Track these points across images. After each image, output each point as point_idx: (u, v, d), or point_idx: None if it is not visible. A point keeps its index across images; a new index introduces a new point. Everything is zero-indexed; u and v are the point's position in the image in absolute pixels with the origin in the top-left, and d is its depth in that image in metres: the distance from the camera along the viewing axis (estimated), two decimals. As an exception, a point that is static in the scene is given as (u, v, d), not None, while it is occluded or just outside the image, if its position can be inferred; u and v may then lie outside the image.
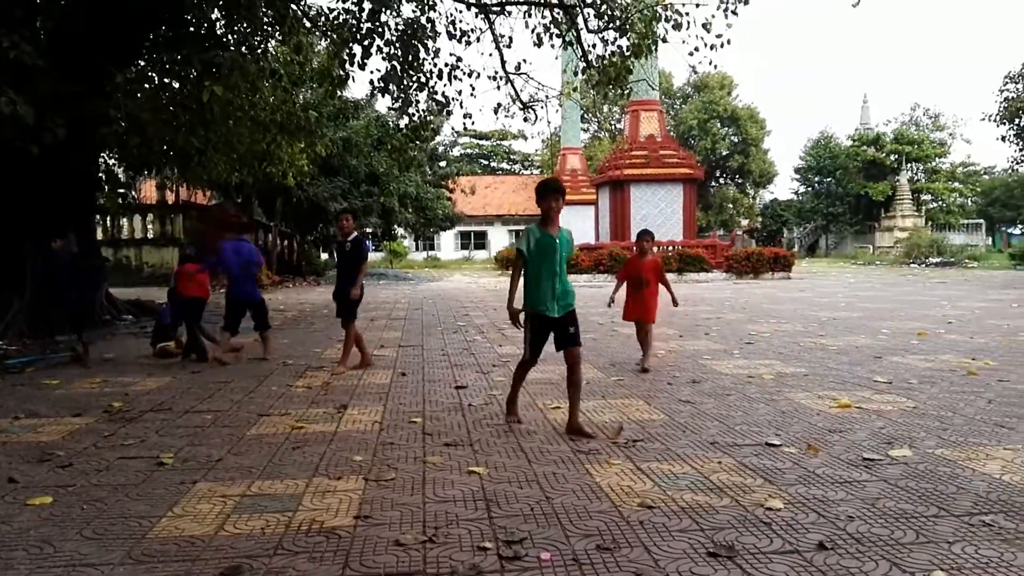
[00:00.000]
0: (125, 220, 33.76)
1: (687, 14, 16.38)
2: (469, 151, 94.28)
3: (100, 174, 18.35)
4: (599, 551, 4.03)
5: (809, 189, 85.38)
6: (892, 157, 76.47)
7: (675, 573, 3.77)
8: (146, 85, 16.69)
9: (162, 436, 6.76)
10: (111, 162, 20.29)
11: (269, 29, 17.42)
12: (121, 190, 21.11)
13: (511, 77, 19.19)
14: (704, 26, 16.20)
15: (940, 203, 77.70)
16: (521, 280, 6.94)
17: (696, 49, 16.75)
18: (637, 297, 10.41)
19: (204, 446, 6.38)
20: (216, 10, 15.85)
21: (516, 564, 3.90)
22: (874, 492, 4.92)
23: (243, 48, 17.07)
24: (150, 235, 34.34)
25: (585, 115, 74.96)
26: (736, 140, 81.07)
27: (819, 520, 4.43)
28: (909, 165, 75.59)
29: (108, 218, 32.50)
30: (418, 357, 11.72)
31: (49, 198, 14.91)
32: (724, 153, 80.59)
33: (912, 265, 49.87)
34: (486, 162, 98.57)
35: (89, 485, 5.36)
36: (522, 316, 6.93)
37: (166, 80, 17.78)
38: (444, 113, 18.23)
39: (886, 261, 55.57)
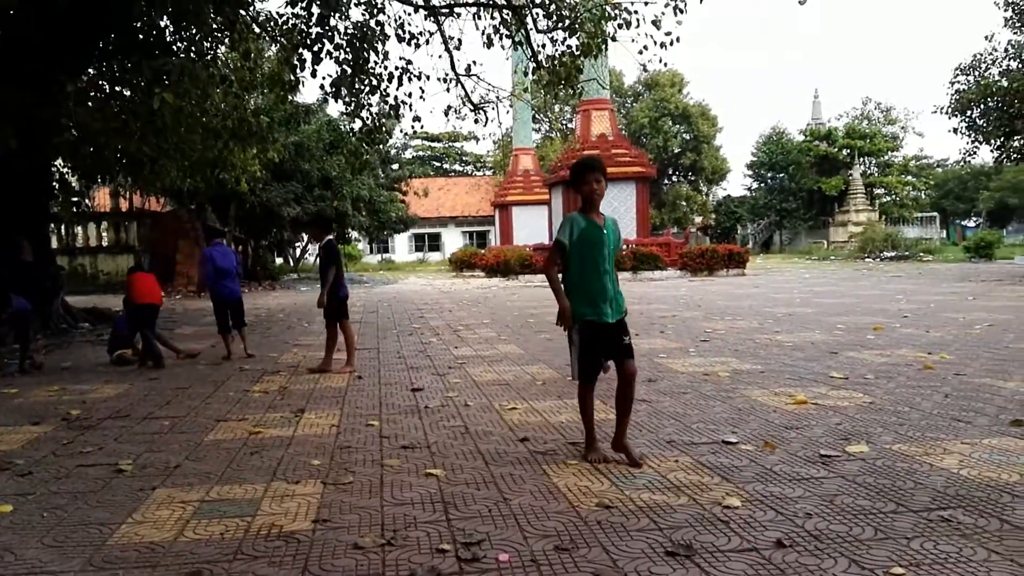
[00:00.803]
0: (80, 228, 33.62)
1: (636, 12, 16.42)
2: (421, 153, 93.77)
3: (53, 183, 18.21)
4: (557, 552, 4.04)
5: (762, 185, 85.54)
6: (844, 152, 76.56)
7: (633, 573, 3.78)
8: (97, 93, 16.53)
9: (120, 443, 6.72)
10: (64, 171, 20.12)
11: (219, 35, 17.34)
12: (75, 198, 21.01)
13: (461, 79, 19.16)
14: (654, 23, 16.21)
15: (894, 197, 77.64)
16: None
17: (646, 47, 16.76)
18: None
19: (162, 452, 6.35)
20: (165, 17, 15.71)
21: (475, 566, 3.90)
22: (832, 488, 4.94)
23: (193, 54, 16.96)
24: (105, 243, 34.17)
25: (537, 115, 74.76)
26: (688, 137, 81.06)
27: (777, 518, 4.44)
28: (862, 159, 75.64)
29: (63, 226, 32.35)
30: (374, 360, 11.71)
31: (0, 207, 14.75)
32: (676, 151, 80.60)
33: (867, 259, 50.19)
34: (439, 164, 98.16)
35: (49, 493, 5.34)
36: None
37: (117, 88, 17.69)
38: (397, 116, 18.14)
39: (841, 256, 55.84)
